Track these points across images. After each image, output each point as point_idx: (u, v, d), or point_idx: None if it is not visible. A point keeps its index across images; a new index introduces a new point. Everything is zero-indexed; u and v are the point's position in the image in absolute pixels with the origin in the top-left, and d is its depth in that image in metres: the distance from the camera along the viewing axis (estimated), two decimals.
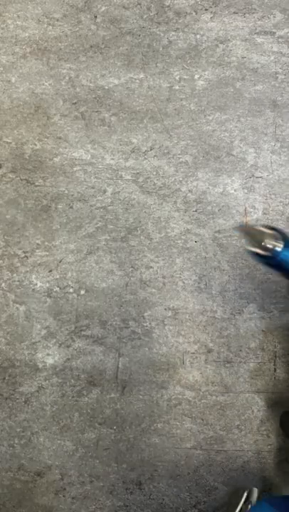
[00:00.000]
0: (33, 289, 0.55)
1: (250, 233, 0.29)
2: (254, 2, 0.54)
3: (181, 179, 0.54)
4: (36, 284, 0.55)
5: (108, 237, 0.53)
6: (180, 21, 0.54)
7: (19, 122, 0.54)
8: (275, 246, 0.29)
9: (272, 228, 0.30)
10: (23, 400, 0.54)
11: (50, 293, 0.54)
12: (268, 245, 0.29)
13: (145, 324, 0.53)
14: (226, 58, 0.54)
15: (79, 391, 0.54)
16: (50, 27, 0.55)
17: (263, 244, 0.28)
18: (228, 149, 0.53)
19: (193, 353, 0.53)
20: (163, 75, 0.54)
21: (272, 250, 0.29)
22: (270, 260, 0.29)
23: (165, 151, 0.54)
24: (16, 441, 0.54)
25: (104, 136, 0.54)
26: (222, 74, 0.54)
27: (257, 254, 0.29)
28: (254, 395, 0.53)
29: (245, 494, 0.50)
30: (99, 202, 0.53)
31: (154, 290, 0.53)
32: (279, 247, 0.29)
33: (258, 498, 0.51)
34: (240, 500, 0.50)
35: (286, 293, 0.38)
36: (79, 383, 0.53)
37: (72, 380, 0.54)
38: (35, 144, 0.54)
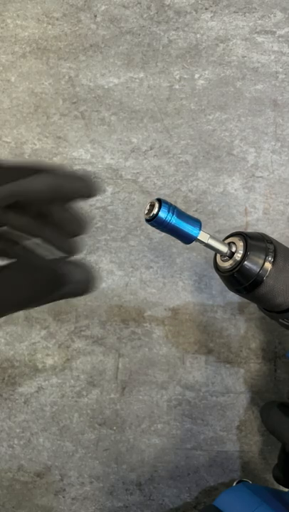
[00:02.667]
0: None
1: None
2: (254, 1, 0.54)
3: (181, 179, 0.53)
4: None
5: (108, 237, 0.53)
6: (180, 20, 0.54)
7: (18, 122, 0.54)
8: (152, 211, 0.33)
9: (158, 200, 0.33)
10: (23, 400, 0.54)
11: None
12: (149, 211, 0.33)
13: (145, 324, 0.53)
14: (226, 57, 0.54)
15: (79, 391, 0.53)
16: (50, 26, 0.54)
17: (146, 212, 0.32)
18: (229, 149, 0.53)
19: (194, 354, 0.53)
20: (163, 74, 0.54)
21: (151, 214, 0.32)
22: (152, 223, 0.33)
23: (165, 150, 0.53)
24: (16, 442, 0.54)
25: (104, 136, 0.54)
26: (222, 73, 0.54)
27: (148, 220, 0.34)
28: (255, 396, 0.53)
29: (235, 483, 0.50)
30: (98, 201, 0.53)
31: (154, 290, 0.53)
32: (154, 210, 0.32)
33: None
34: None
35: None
36: (79, 384, 0.53)
37: (71, 381, 0.53)
38: (35, 144, 0.54)
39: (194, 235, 0.34)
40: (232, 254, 0.35)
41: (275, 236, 0.53)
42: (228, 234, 0.37)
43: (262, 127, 0.53)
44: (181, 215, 0.33)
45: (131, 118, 0.54)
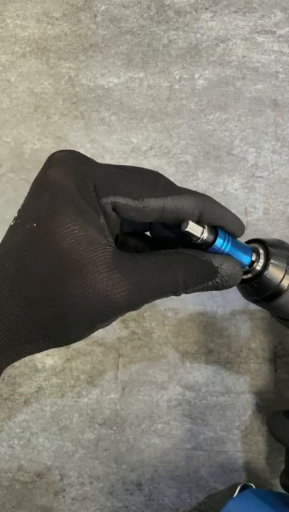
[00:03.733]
0: None
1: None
2: (254, 1, 0.54)
3: (181, 179, 0.53)
4: None
5: None
6: (180, 20, 0.54)
7: (18, 122, 0.54)
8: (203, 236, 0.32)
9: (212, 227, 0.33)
10: (23, 400, 0.53)
11: None
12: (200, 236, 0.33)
13: (145, 324, 0.53)
14: (226, 57, 0.54)
15: (78, 391, 0.53)
16: (50, 26, 0.54)
17: (196, 236, 0.32)
18: (229, 149, 0.53)
19: (194, 354, 0.53)
20: (163, 74, 0.54)
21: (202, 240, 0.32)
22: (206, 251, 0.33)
23: (165, 150, 0.53)
24: (16, 442, 0.54)
25: (104, 136, 0.54)
26: (222, 73, 0.54)
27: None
28: (255, 396, 0.53)
29: (239, 488, 0.50)
30: None
31: None
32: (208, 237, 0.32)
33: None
34: (234, 494, 0.49)
35: None
36: (78, 384, 0.53)
37: (71, 381, 0.53)
38: (35, 144, 0.54)
39: (246, 263, 0.33)
40: (252, 263, 0.34)
41: (275, 236, 0.53)
42: (245, 241, 0.36)
43: (262, 127, 0.53)
44: (235, 243, 0.32)
45: (131, 118, 0.54)
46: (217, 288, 0.28)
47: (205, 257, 0.27)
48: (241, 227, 0.29)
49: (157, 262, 0.26)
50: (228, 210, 0.29)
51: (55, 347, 0.26)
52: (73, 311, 0.24)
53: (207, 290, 0.28)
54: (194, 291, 0.27)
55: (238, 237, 0.30)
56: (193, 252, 0.27)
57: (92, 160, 0.27)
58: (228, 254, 0.28)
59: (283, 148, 0.53)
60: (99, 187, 0.26)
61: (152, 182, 0.28)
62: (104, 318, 0.26)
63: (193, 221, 0.28)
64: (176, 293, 0.26)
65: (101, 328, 0.28)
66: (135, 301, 0.25)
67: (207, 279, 0.27)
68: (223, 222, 0.29)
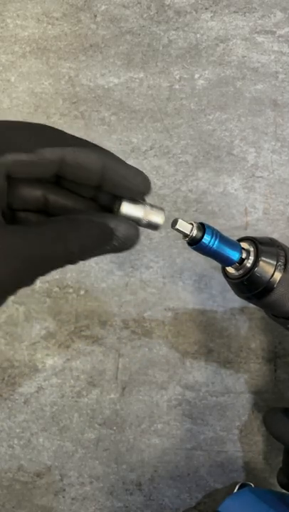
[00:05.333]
0: (33, 289, 0.54)
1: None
2: (254, 1, 0.54)
3: (181, 179, 0.53)
4: (36, 284, 0.54)
5: None
6: (180, 20, 0.54)
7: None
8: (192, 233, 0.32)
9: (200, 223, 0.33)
10: (23, 400, 0.53)
11: (50, 293, 0.54)
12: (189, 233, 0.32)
13: (145, 324, 0.53)
14: (226, 57, 0.54)
15: (78, 392, 0.53)
16: (50, 26, 0.54)
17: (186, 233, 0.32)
18: (229, 149, 0.53)
19: (194, 354, 0.53)
20: (163, 74, 0.54)
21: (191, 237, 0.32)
22: (194, 247, 0.33)
23: (165, 150, 0.53)
24: (16, 442, 0.54)
25: (104, 136, 0.54)
26: (222, 73, 0.54)
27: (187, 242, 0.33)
28: (255, 396, 0.53)
29: (237, 487, 0.50)
30: None
31: (154, 290, 0.53)
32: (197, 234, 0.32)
33: None
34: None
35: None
36: (78, 384, 0.53)
37: (71, 381, 0.53)
38: None
39: (235, 258, 0.33)
40: (242, 260, 0.34)
41: (275, 236, 0.53)
42: (237, 239, 0.36)
43: (262, 127, 0.53)
44: (223, 239, 0.32)
45: (131, 118, 0.54)
46: (115, 251, 0.26)
47: (99, 219, 0.25)
48: (147, 185, 0.27)
49: (47, 232, 0.23)
50: (133, 169, 0.26)
51: None
52: None
53: (105, 254, 0.26)
54: (91, 257, 0.25)
55: (145, 195, 0.28)
56: (86, 216, 0.25)
57: None
58: (125, 219, 0.26)
59: (283, 148, 0.53)
60: None
61: (45, 129, 0.25)
62: None
63: (95, 180, 0.26)
64: (72, 262, 0.25)
65: None
66: (26, 278, 0.23)
67: (103, 244, 0.25)
68: (126, 183, 0.26)
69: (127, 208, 0.27)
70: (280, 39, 0.53)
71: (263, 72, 0.53)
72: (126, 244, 0.25)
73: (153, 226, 0.29)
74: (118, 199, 0.28)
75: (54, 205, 0.28)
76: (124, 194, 0.27)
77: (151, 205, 0.28)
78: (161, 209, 0.29)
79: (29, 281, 0.24)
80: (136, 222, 0.28)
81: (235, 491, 0.48)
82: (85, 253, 0.25)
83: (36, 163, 0.24)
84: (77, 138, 0.25)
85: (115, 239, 0.25)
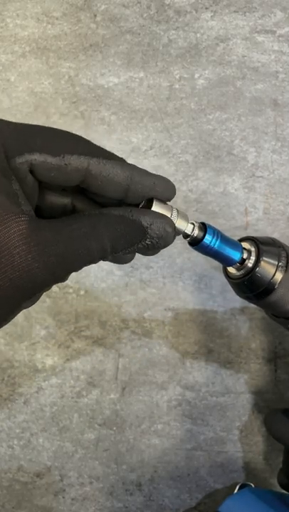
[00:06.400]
0: None
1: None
2: (254, 1, 0.54)
3: (181, 178, 0.53)
4: None
5: None
6: (180, 20, 0.54)
7: (18, 121, 0.54)
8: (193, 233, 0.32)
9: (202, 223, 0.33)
10: (23, 400, 0.53)
11: (50, 293, 0.54)
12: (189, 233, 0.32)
13: (145, 325, 0.53)
14: (226, 57, 0.54)
15: (78, 392, 0.53)
16: (50, 26, 0.54)
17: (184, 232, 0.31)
18: (229, 148, 0.53)
19: (194, 354, 0.53)
20: (163, 73, 0.54)
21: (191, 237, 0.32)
22: (195, 248, 0.32)
23: (165, 150, 0.53)
24: (15, 442, 0.53)
25: (104, 136, 0.54)
26: (222, 73, 0.54)
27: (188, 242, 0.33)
28: (255, 396, 0.53)
29: (238, 487, 0.50)
30: None
31: (154, 290, 0.53)
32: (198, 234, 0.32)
33: None
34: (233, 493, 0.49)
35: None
36: (78, 384, 0.53)
37: (71, 381, 0.53)
38: None
39: (236, 258, 0.33)
40: (243, 260, 0.34)
41: (275, 236, 0.53)
42: (238, 239, 0.36)
43: (262, 127, 0.53)
44: (224, 239, 0.32)
45: (131, 118, 0.54)
46: (148, 250, 0.25)
47: (133, 216, 0.24)
48: (173, 191, 0.27)
49: (81, 227, 0.23)
50: (159, 178, 0.26)
51: None
52: None
53: (137, 252, 0.26)
54: (125, 254, 0.25)
55: (170, 200, 0.28)
56: (119, 211, 0.24)
57: None
58: (163, 216, 0.26)
59: (283, 148, 0.53)
60: (9, 145, 0.23)
61: (74, 136, 0.25)
62: (29, 295, 0.23)
63: (120, 192, 0.25)
64: (104, 258, 0.24)
65: (26, 307, 0.25)
66: (60, 273, 0.23)
67: (136, 242, 0.24)
68: (154, 193, 0.26)
69: (157, 209, 0.27)
70: (280, 39, 0.53)
71: (263, 72, 0.53)
72: (159, 243, 0.25)
73: (176, 231, 0.29)
74: (148, 198, 0.27)
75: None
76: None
77: (178, 210, 0.28)
78: (186, 215, 0.29)
79: (64, 276, 0.24)
80: None
81: (236, 491, 0.48)
82: (117, 251, 0.24)
83: (62, 169, 0.24)
84: (102, 149, 0.25)
85: (148, 238, 0.24)
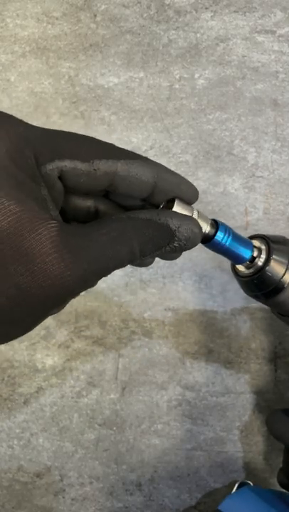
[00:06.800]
0: None
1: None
2: (254, 1, 0.54)
3: None
4: None
5: None
6: (180, 20, 0.54)
7: None
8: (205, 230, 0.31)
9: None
10: (22, 400, 0.53)
11: None
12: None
13: (145, 325, 0.53)
14: (226, 57, 0.54)
15: (78, 392, 0.53)
16: (50, 26, 0.54)
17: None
18: (229, 148, 0.53)
19: (194, 354, 0.53)
20: (163, 73, 0.54)
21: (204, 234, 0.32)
22: (207, 245, 0.32)
23: (165, 150, 0.53)
24: (15, 442, 0.53)
25: (104, 136, 0.54)
26: (222, 73, 0.54)
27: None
28: (255, 396, 0.53)
29: (236, 485, 0.50)
30: None
31: (154, 290, 0.53)
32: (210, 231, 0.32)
33: None
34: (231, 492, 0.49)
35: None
36: (78, 384, 0.53)
37: (71, 381, 0.53)
38: None
39: (246, 256, 0.33)
40: (253, 258, 0.34)
41: None
42: (248, 236, 0.36)
43: (262, 127, 0.53)
44: (235, 236, 0.32)
45: (131, 118, 0.54)
46: (176, 251, 0.25)
47: (161, 219, 0.24)
48: (196, 194, 0.27)
49: (110, 232, 0.23)
50: (184, 179, 0.27)
51: (1, 343, 0.24)
52: (23, 302, 0.21)
53: (165, 255, 0.26)
54: (151, 257, 0.25)
55: (193, 203, 0.28)
56: (147, 215, 0.24)
57: (25, 122, 0.23)
58: (190, 218, 0.26)
59: (283, 148, 0.53)
60: (39, 151, 0.23)
61: (99, 142, 0.25)
62: (60, 302, 0.23)
63: (148, 191, 0.26)
64: (133, 262, 0.24)
65: (54, 313, 0.25)
66: (91, 279, 0.23)
67: (164, 244, 0.24)
68: (179, 191, 0.26)
69: (178, 209, 0.27)
70: (280, 39, 0.53)
71: (263, 72, 0.53)
72: (187, 245, 0.25)
73: None
74: (169, 199, 0.27)
75: (104, 217, 0.27)
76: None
77: (199, 213, 0.28)
78: (206, 216, 0.29)
79: (94, 283, 0.24)
80: None
81: (234, 489, 0.48)
82: (146, 254, 0.24)
83: (91, 174, 0.24)
84: (126, 150, 0.26)
85: (176, 241, 0.25)
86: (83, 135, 0.25)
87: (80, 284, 0.22)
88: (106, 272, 0.23)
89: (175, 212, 0.25)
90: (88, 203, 0.27)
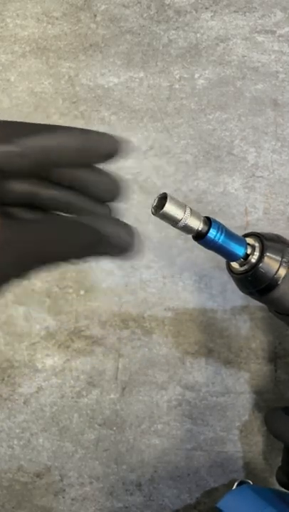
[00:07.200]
0: (33, 289, 0.54)
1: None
2: (254, 1, 0.54)
3: (181, 178, 0.53)
4: (36, 284, 0.54)
5: None
6: (180, 20, 0.54)
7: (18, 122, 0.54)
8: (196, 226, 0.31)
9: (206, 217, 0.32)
10: (23, 400, 0.53)
11: (50, 293, 0.54)
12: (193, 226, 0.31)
13: (145, 325, 0.53)
14: (226, 57, 0.54)
15: (78, 392, 0.53)
16: (50, 26, 0.54)
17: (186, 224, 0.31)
18: (229, 148, 0.53)
19: (194, 354, 0.53)
20: (163, 73, 0.54)
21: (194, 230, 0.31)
22: (200, 242, 0.32)
23: (165, 150, 0.53)
24: (15, 442, 0.53)
25: None
26: (222, 73, 0.54)
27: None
28: (255, 396, 0.53)
29: (236, 484, 0.50)
30: None
31: (154, 290, 0.53)
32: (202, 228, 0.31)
33: None
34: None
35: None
36: (78, 384, 0.53)
37: (71, 381, 0.53)
38: None
39: (240, 253, 0.33)
40: (247, 256, 0.34)
41: None
42: (242, 234, 0.36)
43: (262, 127, 0.53)
44: (229, 234, 0.32)
45: (131, 118, 0.54)
46: (112, 255, 0.25)
47: (90, 222, 0.24)
48: (115, 146, 0.27)
49: (38, 232, 0.23)
50: (105, 134, 0.26)
51: None
52: None
53: (102, 256, 0.26)
54: (86, 259, 0.25)
55: (118, 153, 0.27)
56: (76, 218, 0.24)
57: None
58: (126, 225, 0.26)
59: (283, 148, 0.53)
60: None
61: (11, 123, 0.25)
62: None
63: (74, 157, 0.25)
64: (65, 262, 0.24)
65: None
66: (16, 273, 0.23)
67: (99, 252, 0.25)
68: (104, 152, 0.26)
69: (170, 207, 0.27)
70: (280, 39, 0.53)
71: (263, 72, 0.53)
72: (119, 250, 0.25)
73: (188, 230, 0.29)
74: (161, 195, 0.27)
75: (45, 199, 0.27)
76: (98, 162, 0.27)
77: (192, 210, 0.28)
78: (201, 216, 0.29)
79: (20, 275, 0.24)
80: (173, 223, 0.28)
81: (234, 488, 0.48)
82: (77, 255, 0.24)
83: (21, 154, 0.24)
84: (45, 124, 0.26)
85: (108, 244, 0.25)
86: (5, 120, 0.25)
87: (3, 275, 0.23)
88: (33, 266, 0.24)
89: (113, 219, 0.26)
90: (27, 187, 0.27)
